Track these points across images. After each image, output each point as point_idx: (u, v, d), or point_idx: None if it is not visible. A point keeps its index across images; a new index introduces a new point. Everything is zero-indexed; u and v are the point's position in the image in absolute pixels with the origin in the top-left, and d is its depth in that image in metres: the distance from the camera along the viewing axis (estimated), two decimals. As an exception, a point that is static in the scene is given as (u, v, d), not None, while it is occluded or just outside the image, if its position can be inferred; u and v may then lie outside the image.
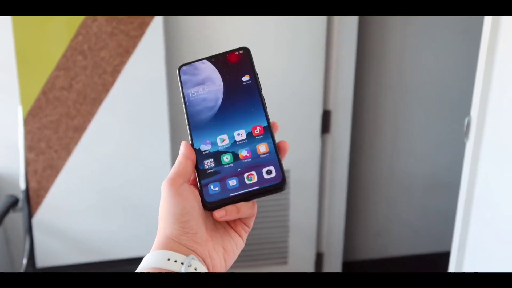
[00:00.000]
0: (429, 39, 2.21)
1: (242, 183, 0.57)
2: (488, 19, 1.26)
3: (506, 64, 1.23)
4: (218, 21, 1.87)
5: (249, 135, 0.60)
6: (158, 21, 1.71)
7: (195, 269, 0.51)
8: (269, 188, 0.57)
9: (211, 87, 0.63)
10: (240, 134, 0.60)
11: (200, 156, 0.59)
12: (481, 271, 1.39)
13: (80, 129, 1.74)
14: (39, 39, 1.66)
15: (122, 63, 1.71)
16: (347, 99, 2.10)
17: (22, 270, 1.78)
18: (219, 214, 0.55)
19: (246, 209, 0.57)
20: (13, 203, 1.76)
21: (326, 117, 2.10)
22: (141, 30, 1.70)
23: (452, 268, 1.52)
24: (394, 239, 2.55)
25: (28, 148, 1.72)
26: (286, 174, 0.57)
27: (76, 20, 1.66)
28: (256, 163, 0.58)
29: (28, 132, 1.71)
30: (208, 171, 0.58)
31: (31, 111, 1.70)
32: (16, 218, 1.89)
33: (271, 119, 0.62)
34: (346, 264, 2.45)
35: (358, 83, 2.18)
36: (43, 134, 1.72)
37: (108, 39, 1.69)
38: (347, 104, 2.11)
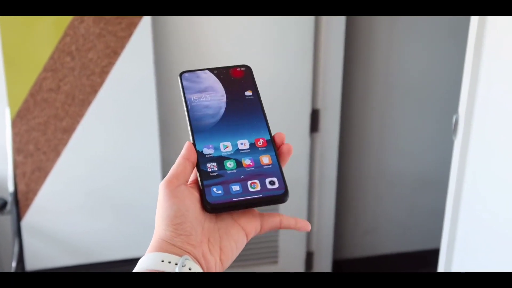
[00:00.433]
0: (416, 38, 2.23)
1: (245, 190, 0.57)
2: (474, 18, 1.28)
3: (493, 61, 1.24)
4: (206, 22, 1.87)
5: (252, 145, 0.60)
6: (146, 21, 1.71)
7: (190, 269, 0.51)
8: (273, 197, 0.57)
9: (213, 96, 0.63)
10: (244, 144, 0.60)
11: (202, 158, 0.59)
12: (470, 267, 1.40)
13: (68, 131, 1.73)
14: (26, 40, 1.65)
15: (110, 64, 1.71)
16: (336, 98, 2.11)
17: (11, 273, 1.77)
18: None
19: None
20: (1, 206, 1.75)
21: (314, 116, 2.11)
22: (129, 30, 1.70)
23: (441, 265, 1.53)
24: (383, 237, 2.56)
25: (16, 150, 1.71)
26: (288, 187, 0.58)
27: (64, 21, 1.65)
28: (259, 173, 0.58)
29: (16, 135, 1.70)
30: (211, 174, 0.58)
31: (19, 113, 1.68)
32: (4, 221, 1.88)
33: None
34: (336, 263, 2.46)
35: (346, 82, 2.19)
36: (31, 136, 1.71)
37: (96, 40, 1.68)
38: (336, 103, 2.12)
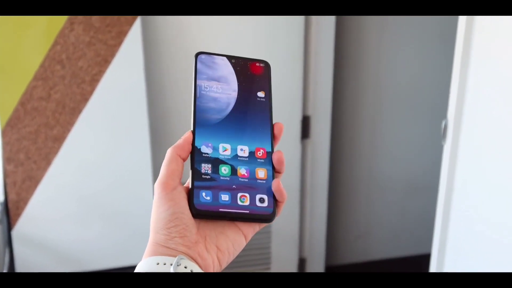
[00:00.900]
0: (406, 43, 2.25)
1: (234, 202, 0.55)
2: (462, 23, 1.29)
3: (481, 66, 1.25)
4: (195, 29, 1.87)
5: (252, 154, 0.58)
6: (136, 29, 1.71)
7: (185, 267, 0.51)
8: (259, 216, 0.56)
9: (225, 88, 0.60)
10: (243, 150, 0.58)
11: (199, 156, 0.57)
12: (462, 271, 1.41)
13: (59, 139, 1.73)
14: (16, 49, 1.65)
15: (101, 72, 1.71)
16: (326, 104, 2.12)
17: (2, 283, 1.75)
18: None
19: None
20: (-8, 216, 1.74)
21: (305, 122, 2.11)
22: (119, 39, 1.70)
23: (433, 269, 1.53)
24: (375, 242, 2.56)
25: (7, 159, 1.70)
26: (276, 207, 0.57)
27: (54, 30, 1.65)
28: (252, 186, 0.57)
29: (6, 144, 1.69)
30: (203, 176, 0.56)
31: (9, 122, 1.68)
32: (-5, 230, 1.87)
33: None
34: (328, 269, 2.46)
35: (336, 88, 2.20)
36: (22, 145, 1.70)
37: (86, 49, 1.68)
38: (326, 109, 2.13)
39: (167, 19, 1.84)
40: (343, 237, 2.54)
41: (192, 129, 0.58)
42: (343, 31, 2.17)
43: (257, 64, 0.64)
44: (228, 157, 0.57)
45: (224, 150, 0.58)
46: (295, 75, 2.01)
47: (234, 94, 0.60)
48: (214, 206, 0.55)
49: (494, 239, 1.26)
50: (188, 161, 0.58)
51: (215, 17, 1.87)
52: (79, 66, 1.69)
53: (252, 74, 0.63)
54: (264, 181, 0.57)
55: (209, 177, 0.56)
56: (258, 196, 0.56)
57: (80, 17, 1.66)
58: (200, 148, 0.57)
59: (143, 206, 1.84)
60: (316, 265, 2.38)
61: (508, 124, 1.18)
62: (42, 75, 1.67)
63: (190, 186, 0.56)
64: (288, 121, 2.06)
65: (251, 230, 0.58)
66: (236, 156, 0.58)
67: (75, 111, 1.72)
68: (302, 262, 2.36)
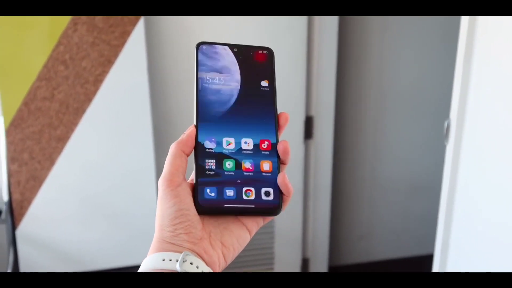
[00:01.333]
0: (408, 44, 2.25)
1: (239, 197, 0.55)
2: (464, 23, 1.29)
3: (483, 66, 1.25)
4: (198, 29, 1.88)
5: (256, 147, 0.57)
6: (139, 30, 1.72)
7: (191, 263, 0.51)
8: (264, 210, 0.55)
9: (227, 80, 0.59)
10: (248, 143, 0.57)
11: (203, 152, 0.56)
12: (464, 271, 1.41)
13: (63, 139, 1.73)
14: (20, 49, 1.66)
15: (104, 72, 1.71)
16: (329, 104, 2.12)
17: (6, 283, 1.76)
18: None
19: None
20: (-4, 215, 1.75)
21: (308, 123, 2.12)
22: (123, 39, 1.70)
23: (435, 270, 1.53)
24: (377, 243, 2.56)
25: (11, 159, 1.71)
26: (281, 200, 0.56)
27: (57, 30, 1.66)
28: (257, 179, 0.56)
29: (10, 143, 1.70)
30: (208, 172, 0.55)
31: (13, 122, 1.69)
32: (-1, 230, 1.88)
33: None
34: (331, 269, 2.46)
35: (339, 89, 2.20)
36: (25, 145, 1.71)
37: (89, 49, 1.69)
38: (329, 109, 2.13)
39: (170, 20, 1.85)
40: (346, 237, 2.54)
41: (195, 123, 0.57)
42: (346, 32, 2.17)
43: (260, 52, 0.63)
44: (232, 151, 0.57)
45: (228, 144, 0.57)
46: (298, 75, 2.01)
47: (237, 85, 0.59)
48: (219, 202, 0.55)
49: (497, 240, 1.26)
50: (192, 156, 0.57)
51: (218, 17, 1.88)
52: (82, 67, 1.70)
53: (255, 62, 0.62)
54: (270, 174, 0.57)
55: (214, 172, 0.55)
56: (263, 190, 0.56)
57: (83, 18, 1.66)
58: (203, 144, 0.56)
59: (146, 207, 1.84)
60: (319, 265, 2.38)
61: (511, 124, 1.18)
62: (46, 76, 1.68)
63: (194, 183, 0.55)
64: (291, 121, 2.05)
65: (255, 225, 0.58)
66: (240, 149, 0.57)
67: (79, 111, 1.72)
68: (305, 262, 2.36)
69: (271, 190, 0.56)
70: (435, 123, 2.26)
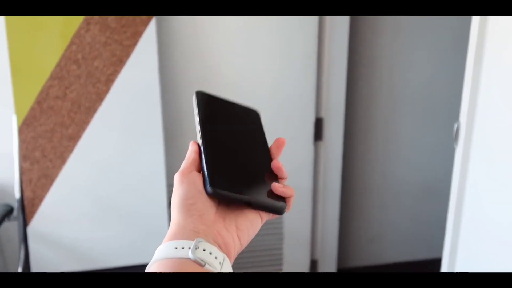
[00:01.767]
0: (419, 46, 2.24)
1: (251, 189, 0.59)
2: (475, 26, 1.29)
3: (493, 68, 1.25)
4: (210, 30, 1.89)
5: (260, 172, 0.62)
6: (151, 30, 1.73)
7: (204, 250, 0.52)
8: (273, 206, 0.59)
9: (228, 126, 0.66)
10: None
11: (212, 150, 0.61)
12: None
13: (74, 138, 1.75)
14: (33, 49, 1.68)
15: (116, 72, 1.73)
16: (339, 106, 2.13)
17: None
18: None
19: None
20: (8, 212, 1.77)
21: (318, 124, 2.12)
22: (134, 39, 1.72)
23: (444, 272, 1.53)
24: (387, 246, 2.56)
25: (23, 157, 1.73)
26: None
27: (70, 30, 1.68)
28: (266, 182, 0.60)
29: (23, 142, 1.72)
30: (216, 160, 0.60)
31: (26, 121, 1.71)
32: (11, 227, 1.90)
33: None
34: (340, 271, 2.46)
35: (349, 91, 2.20)
36: (37, 143, 1.73)
37: (101, 49, 1.70)
38: (339, 111, 2.13)
39: (182, 20, 1.86)
40: (356, 239, 2.53)
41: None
42: (357, 33, 2.17)
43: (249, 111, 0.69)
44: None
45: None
46: (308, 76, 2.02)
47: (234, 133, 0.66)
48: (229, 188, 0.58)
49: (506, 242, 1.26)
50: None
51: (229, 18, 1.88)
52: (94, 66, 1.71)
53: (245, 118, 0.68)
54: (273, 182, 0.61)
55: (223, 163, 0.60)
56: (272, 190, 0.60)
57: (96, 18, 1.68)
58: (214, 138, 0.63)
59: (156, 205, 1.85)
60: (328, 267, 2.38)
61: (521, 127, 1.18)
62: (58, 75, 1.70)
63: (204, 169, 0.59)
64: (301, 123, 2.07)
65: (266, 215, 0.61)
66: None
67: (90, 111, 1.74)
68: (313, 264, 2.36)
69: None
70: (447, 125, 2.25)
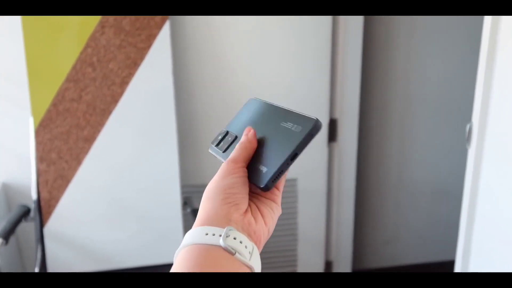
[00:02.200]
0: (434, 47, 2.23)
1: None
2: (487, 26, 1.28)
3: (506, 69, 1.24)
4: (224, 32, 1.90)
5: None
6: (165, 33, 1.75)
7: (234, 238, 0.53)
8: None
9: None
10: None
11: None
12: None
13: (90, 140, 1.77)
14: (50, 52, 1.70)
15: (131, 74, 1.75)
16: (354, 107, 2.12)
17: (33, 279, 1.80)
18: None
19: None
20: (25, 213, 1.79)
21: (332, 125, 2.12)
22: (149, 42, 1.74)
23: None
24: (403, 247, 2.54)
25: (40, 158, 1.75)
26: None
27: (85, 33, 1.70)
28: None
29: (39, 143, 1.74)
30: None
31: (42, 123, 1.73)
32: (28, 227, 1.92)
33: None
34: (355, 273, 2.46)
35: (364, 92, 2.20)
36: (54, 145, 1.75)
37: (116, 51, 1.72)
38: (354, 112, 2.13)
39: (195, 23, 1.87)
40: (371, 241, 2.52)
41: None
42: (372, 33, 2.16)
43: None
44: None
45: None
46: (322, 77, 2.02)
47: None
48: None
49: (519, 244, 1.25)
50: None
51: (242, 19, 1.89)
52: (109, 69, 1.73)
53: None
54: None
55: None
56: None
57: (111, 21, 1.70)
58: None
59: (170, 207, 1.87)
60: (343, 268, 2.37)
61: (534, 127, 1.17)
62: (74, 77, 1.72)
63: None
64: (315, 124, 2.07)
65: (275, 196, 0.63)
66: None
67: (105, 113, 1.76)
68: (328, 265, 2.35)
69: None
70: (462, 127, 2.24)
